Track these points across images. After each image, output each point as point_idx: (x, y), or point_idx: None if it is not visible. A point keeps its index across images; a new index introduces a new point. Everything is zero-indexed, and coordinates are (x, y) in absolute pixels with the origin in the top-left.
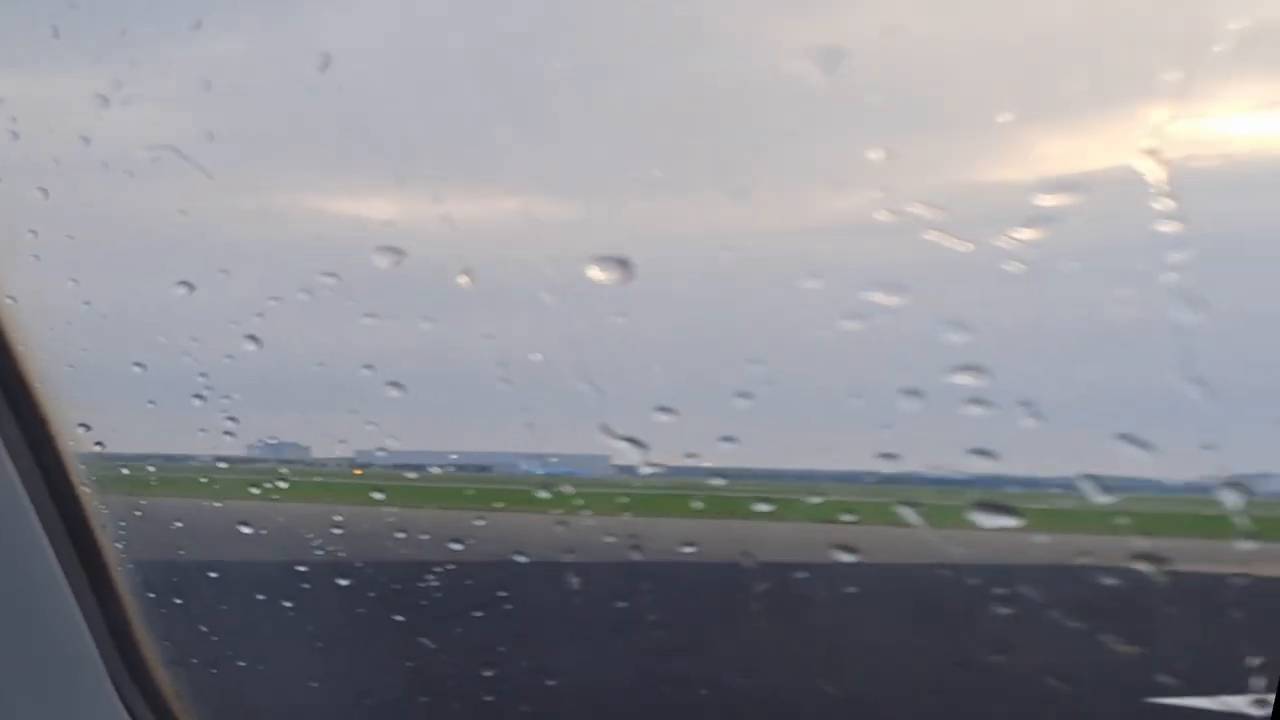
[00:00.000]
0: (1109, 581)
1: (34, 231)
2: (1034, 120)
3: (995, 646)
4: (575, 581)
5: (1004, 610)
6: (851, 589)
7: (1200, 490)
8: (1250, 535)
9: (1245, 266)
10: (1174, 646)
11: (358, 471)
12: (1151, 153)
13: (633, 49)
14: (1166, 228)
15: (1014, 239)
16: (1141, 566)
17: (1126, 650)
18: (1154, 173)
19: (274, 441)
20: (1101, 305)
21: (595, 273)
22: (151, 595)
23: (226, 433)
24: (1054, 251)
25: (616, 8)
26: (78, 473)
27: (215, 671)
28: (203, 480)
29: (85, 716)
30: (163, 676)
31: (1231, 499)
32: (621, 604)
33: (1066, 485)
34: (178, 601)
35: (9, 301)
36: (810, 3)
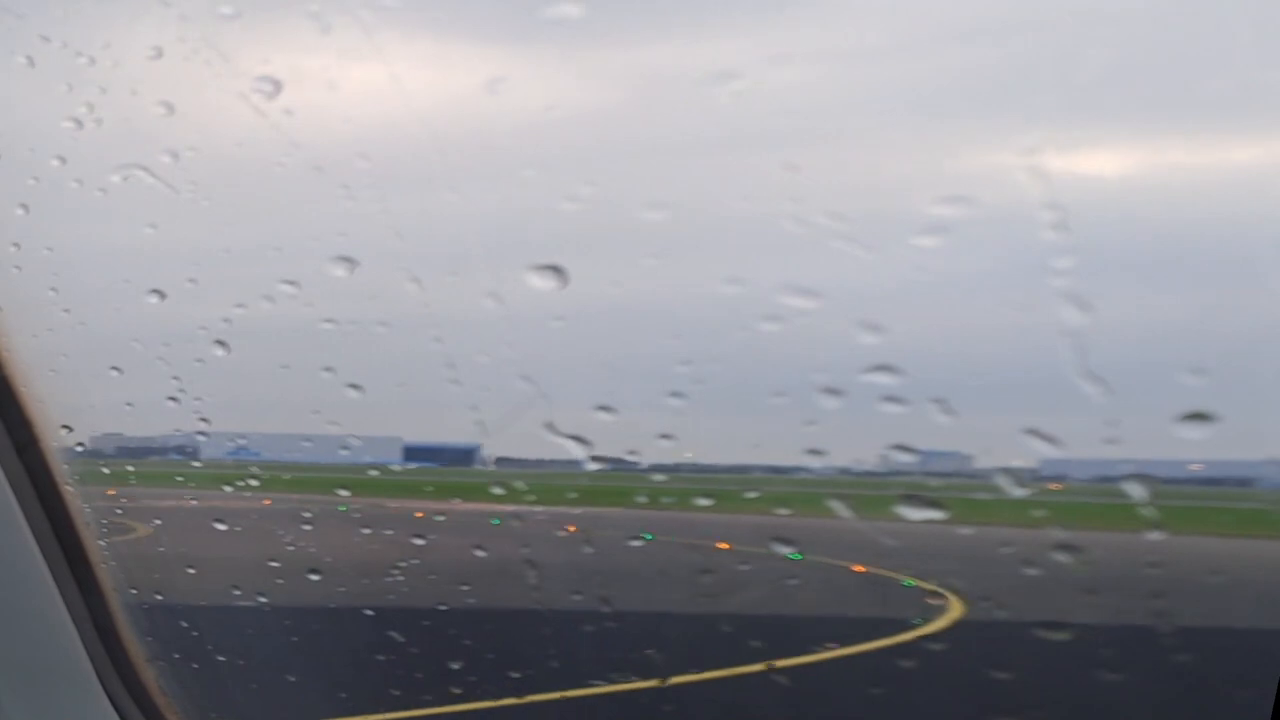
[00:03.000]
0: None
1: (16, 244)
2: (927, 136)
3: None
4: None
5: None
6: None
7: (1108, 482)
8: (1156, 525)
9: (1128, 270)
10: None
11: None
12: (1035, 166)
13: (563, 72)
14: (1053, 235)
15: (914, 245)
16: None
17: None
18: (1038, 184)
19: (244, 440)
20: (998, 308)
21: (533, 279)
22: (134, 591)
23: (199, 432)
24: (952, 258)
25: (548, 29)
26: (61, 472)
27: (197, 667)
28: (179, 478)
29: (71, 712)
30: (147, 672)
31: (1137, 491)
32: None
33: (984, 478)
34: (159, 597)
35: None
36: (709, 32)
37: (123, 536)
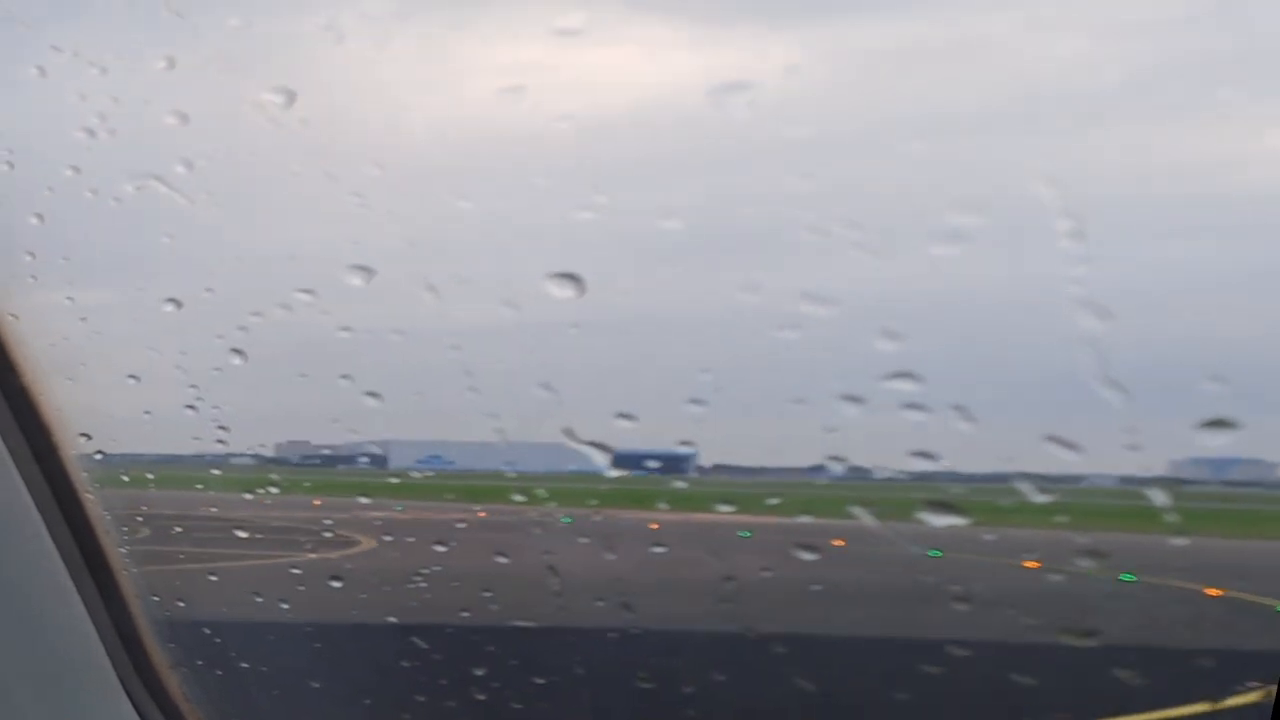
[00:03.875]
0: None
1: (32, 254)
2: (942, 145)
3: None
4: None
5: None
6: None
7: (1133, 485)
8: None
9: (1145, 277)
10: None
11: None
12: (1049, 175)
13: (577, 81)
14: (1068, 244)
15: (932, 254)
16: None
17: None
18: (1053, 193)
19: (264, 448)
20: (1015, 315)
21: (551, 288)
22: (156, 598)
23: (218, 440)
24: (970, 267)
25: (561, 39)
26: (81, 480)
27: (220, 673)
28: (199, 485)
29: (95, 717)
30: (170, 677)
31: (1159, 496)
32: None
33: (1004, 482)
34: (181, 604)
35: (11, 319)
36: (723, 42)
37: (142, 543)
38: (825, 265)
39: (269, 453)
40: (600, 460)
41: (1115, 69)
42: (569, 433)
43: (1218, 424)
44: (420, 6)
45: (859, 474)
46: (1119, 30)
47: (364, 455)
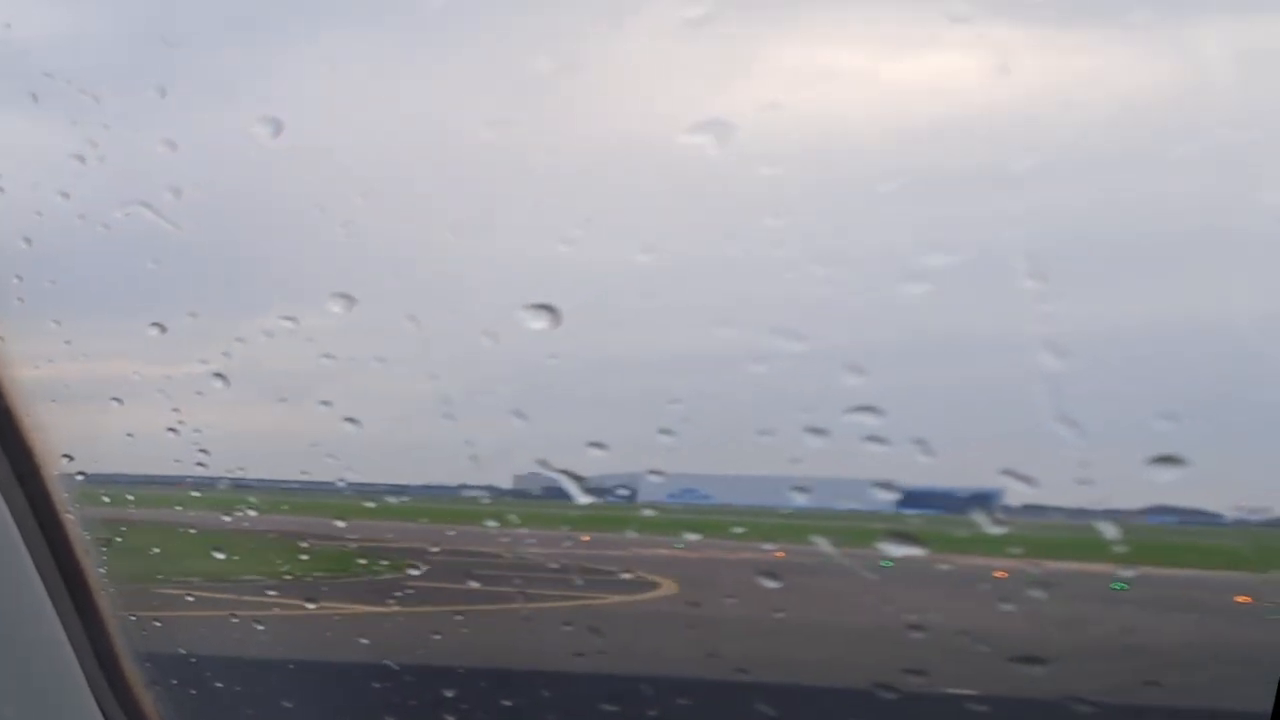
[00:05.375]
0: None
1: (19, 277)
2: (913, 184)
3: None
4: None
5: None
6: None
7: (1080, 518)
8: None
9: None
10: None
11: None
12: (1012, 218)
13: (558, 116)
14: (1031, 284)
15: (900, 293)
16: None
17: None
18: (1016, 236)
19: (243, 471)
20: (978, 352)
21: (526, 318)
22: (133, 618)
23: (199, 463)
24: (937, 305)
25: (542, 78)
26: (62, 501)
27: (195, 692)
28: (178, 507)
29: None
30: (145, 697)
31: (1109, 530)
32: None
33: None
34: (158, 624)
35: None
36: (699, 79)
37: (121, 564)
38: (797, 302)
39: (506, 484)
40: (884, 498)
41: (1079, 113)
42: (543, 462)
43: (1166, 460)
44: (408, 38)
45: (821, 503)
46: (1083, 74)
47: (623, 488)
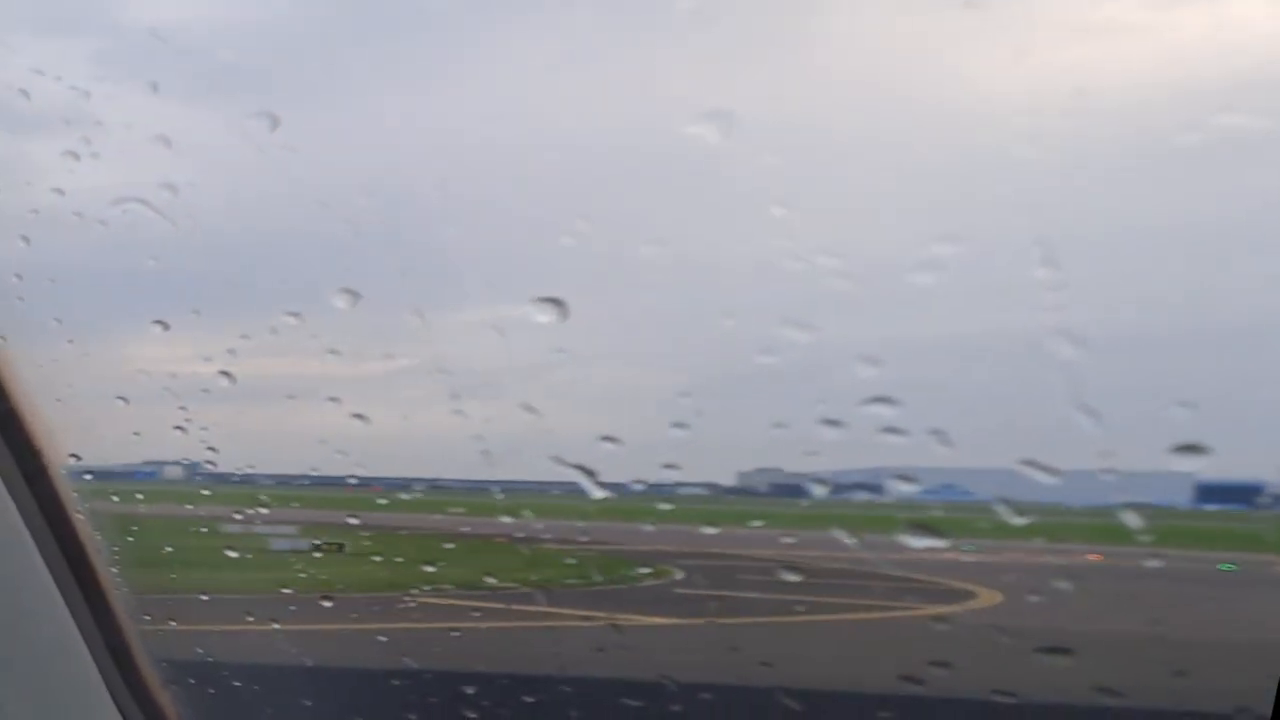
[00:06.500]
0: None
1: (19, 276)
2: (921, 173)
3: None
4: None
5: None
6: None
7: (1104, 509)
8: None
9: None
10: None
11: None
12: (1022, 205)
13: (571, 122)
14: (1043, 273)
15: (910, 283)
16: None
17: None
18: (1026, 223)
19: (251, 469)
20: (994, 342)
21: (534, 312)
22: (147, 618)
23: (207, 461)
24: (948, 294)
25: (547, 72)
26: (71, 501)
27: (213, 691)
28: (188, 505)
29: None
30: (163, 696)
31: (1133, 519)
32: None
33: (984, 506)
34: (173, 624)
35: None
36: (706, 71)
37: (133, 564)
38: (806, 293)
39: (730, 481)
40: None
41: (1092, 102)
42: (556, 458)
43: (1190, 449)
44: (406, 33)
45: (839, 495)
46: (1097, 65)
47: (863, 487)
